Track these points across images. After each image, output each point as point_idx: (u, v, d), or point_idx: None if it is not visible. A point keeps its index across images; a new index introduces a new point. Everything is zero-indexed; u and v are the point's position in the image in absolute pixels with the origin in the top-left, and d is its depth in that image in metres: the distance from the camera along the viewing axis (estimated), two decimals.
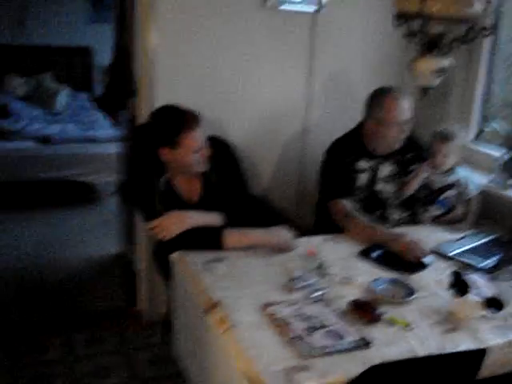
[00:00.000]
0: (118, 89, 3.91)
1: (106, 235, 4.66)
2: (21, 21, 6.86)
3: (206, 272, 2.25)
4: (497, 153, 3.14)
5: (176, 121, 2.49)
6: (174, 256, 2.42)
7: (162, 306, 3.30)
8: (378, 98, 2.86)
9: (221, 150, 2.70)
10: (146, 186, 2.56)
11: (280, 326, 1.88)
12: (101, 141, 5.69)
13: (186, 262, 2.34)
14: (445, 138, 2.85)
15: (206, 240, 2.43)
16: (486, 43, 3.20)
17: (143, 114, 3.12)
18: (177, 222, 2.43)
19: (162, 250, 2.61)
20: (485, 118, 3.25)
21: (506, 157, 2.97)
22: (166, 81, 3.07)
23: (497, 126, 3.06)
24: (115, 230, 4.46)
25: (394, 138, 2.87)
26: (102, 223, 4.98)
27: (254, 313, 1.98)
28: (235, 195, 2.66)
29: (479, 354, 1.80)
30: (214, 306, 2.02)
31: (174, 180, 2.62)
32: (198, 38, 3.10)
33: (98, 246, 4.52)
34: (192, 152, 2.50)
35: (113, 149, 5.05)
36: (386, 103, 2.81)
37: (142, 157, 2.62)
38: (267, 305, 2.00)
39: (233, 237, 2.44)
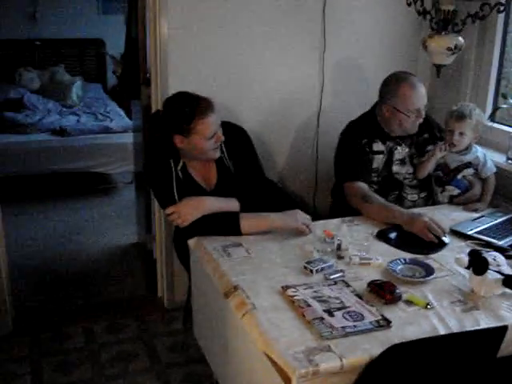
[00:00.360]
0: (131, 79, 3.93)
1: (124, 224, 4.70)
2: (32, 14, 6.89)
3: (224, 257, 2.26)
4: None
5: (188, 108, 2.48)
6: (192, 242, 2.44)
7: (182, 292, 3.32)
8: (394, 86, 2.84)
9: (235, 135, 2.70)
10: (162, 172, 2.57)
11: (300, 307, 1.89)
12: (115, 131, 5.71)
13: (204, 248, 2.36)
14: (460, 116, 2.83)
15: (223, 225, 2.43)
16: (500, 20, 3.17)
17: (156, 103, 3.14)
18: (193, 209, 2.44)
19: (181, 237, 2.62)
20: (501, 96, 3.22)
21: None
22: (178, 69, 3.08)
23: None
24: (133, 219, 4.50)
25: (410, 124, 2.86)
26: (119, 213, 5.02)
27: (274, 295, 1.99)
28: (251, 180, 2.66)
29: (500, 332, 1.80)
30: (233, 289, 2.03)
31: (189, 166, 2.62)
32: (209, 24, 3.10)
33: (116, 236, 4.56)
34: (205, 139, 2.50)
35: (128, 139, 5.09)
36: (402, 92, 2.80)
37: (158, 143, 2.63)
38: (286, 287, 2.01)
39: (250, 221, 2.45)
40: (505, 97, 3.08)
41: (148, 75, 3.39)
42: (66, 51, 7.20)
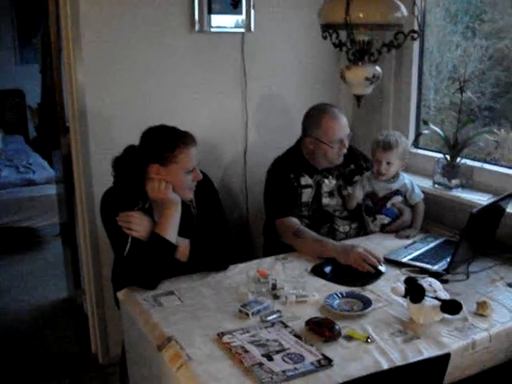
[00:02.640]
0: (50, 128, 3.80)
1: (53, 280, 4.52)
2: None
3: (155, 307, 2.16)
4: (437, 155, 3.15)
5: (171, 135, 2.38)
6: (121, 293, 2.32)
7: (117, 347, 3.18)
8: (315, 118, 2.87)
9: (204, 183, 2.57)
10: (125, 204, 2.41)
11: (237, 354, 1.80)
12: (39, 183, 5.55)
13: (135, 299, 2.24)
14: (387, 146, 2.85)
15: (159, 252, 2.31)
16: (415, 46, 3.24)
17: (77, 152, 3.03)
18: (140, 223, 2.33)
19: (120, 273, 2.51)
20: (422, 122, 3.27)
21: (447, 158, 2.99)
22: (98, 115, 2.98)
23: (435, 128, 3.07)
24: (62, 274, 4.32)
25: (335, 154, 2.88)
26: (47, 268, 4.82)
27: (210, 344, 1.90)
28: (212, 231, 2.52)
29: (443, 360, 1.76)
30: (167, 341, 1.92)
31: (155, 209, 2.47)
32: (128, 68, 3.02)
33: (45, 292, 4.37)
34: (185, 171, 2.38)
35: (52, 190, 4.92)
36: (324, 123, 2.83)
37: (129, 178, 2.45)
38: (222, 334, 1.92)
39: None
40: (426, 123, 3.12)
41: (67, 124, 3.28)
42: None
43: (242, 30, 3.24)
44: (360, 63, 2.25)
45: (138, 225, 2.34)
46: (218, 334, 1.93)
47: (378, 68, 2.28)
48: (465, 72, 2.93)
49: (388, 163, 2.87)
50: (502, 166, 3.02)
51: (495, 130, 2.95)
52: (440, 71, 3.40)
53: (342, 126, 2.85)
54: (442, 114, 3.39)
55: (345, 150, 2.89)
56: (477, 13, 3.21)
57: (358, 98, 2.32)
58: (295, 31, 3.43)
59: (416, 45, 3.22)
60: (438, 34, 3.33)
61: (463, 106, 2.95)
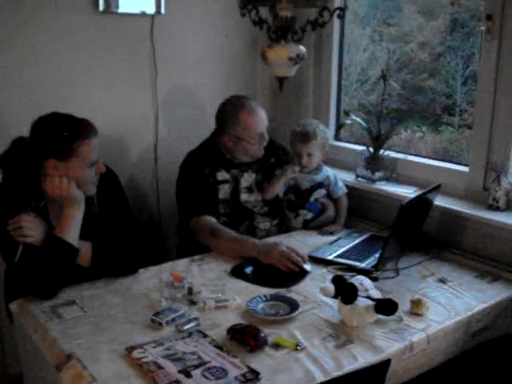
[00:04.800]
0: None
1: None
2: None
3: (54, 319, 1.88)
4: (358, 147, 3.02)
5: (68, 126, 2.08)
6: (14, 305, 2.03)
7: (17, 364, 2.83)
8: (232, 114, 2.69)
9: (105, 177, 2.28)
10: (16, 203, 2.10)
11: (150, 372, 1.56)
12: None
13: (30, 310, 1.96)
14: (306, 138, 2.70)
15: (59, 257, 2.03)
16: (336, 33, 3.10)
17: None
18: (33, 228, 2.03)
19: (10, 282, 2.23)
20: (343, 113, 3.14)
21: (370, 150, 2.85)
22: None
23: (357, 119, 2.92)
24: None
25: (256, 149, 2.72)
26: None
27: (117, 361, 1.65)
28: (118, 231, 2.26)
29: (383, 367, 1.59)
30: (67, 359, 1.66)
31: (51, 212, 2.18)
32: (20, 52, 2.69)
33: None
34: (87, 165, 2.11)
35: None
36: (242, 119, 2.66)
37: (20, 175, 2.15)
38: (131, 348, 1.68)
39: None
40: (347, 113, 2.98)
41: None
42: None
43: (152, 11, 2.98)
44: (283, 42, 2.04)
45: (31, 229, 2.03)
46: (127, 349, 1.69)
47: (302, 47, 2.08)
48: (386, 68, 2.81)
49: (309, 155, 2.71)
50: (425, 157, 2.93)
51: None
52: (349, 73, 3.39)
53: (260, 119, 2.69)
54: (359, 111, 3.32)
55: (265, 143, 2.73)
56: (384, 17, 3.24)
57: (281, 80, 2.12)
58: (209, 14, 3.20)
59: (336, 29, 3.10)
60: (346, 37, 3.28)
61: (372, 109, 2.87)
